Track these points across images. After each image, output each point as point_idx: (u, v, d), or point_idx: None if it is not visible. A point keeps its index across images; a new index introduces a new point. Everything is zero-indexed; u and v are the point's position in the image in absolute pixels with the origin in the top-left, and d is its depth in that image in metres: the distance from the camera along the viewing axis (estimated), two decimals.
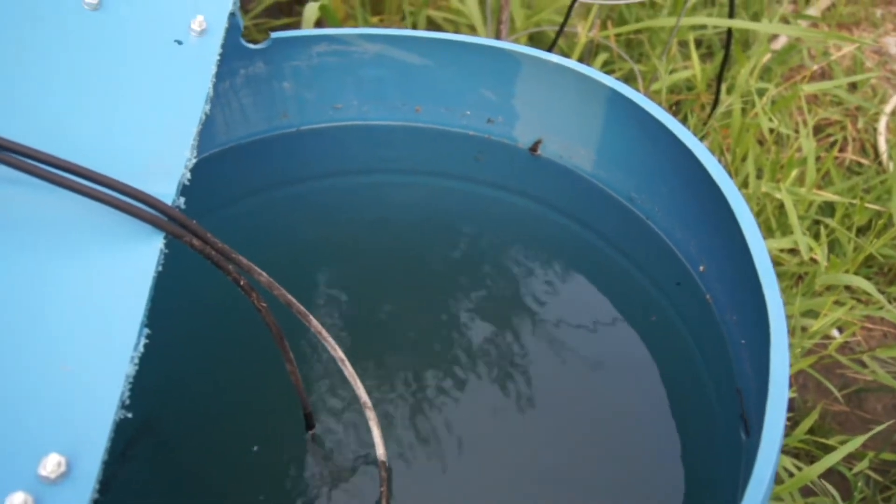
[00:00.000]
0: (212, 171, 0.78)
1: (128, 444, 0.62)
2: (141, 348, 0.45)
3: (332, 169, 0.81)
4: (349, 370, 0.57)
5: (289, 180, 0.81)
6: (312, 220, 0.80)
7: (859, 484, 0.95)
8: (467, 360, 0.68)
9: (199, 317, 0.70)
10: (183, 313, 0.69)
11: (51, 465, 0.40)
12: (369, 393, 0.59)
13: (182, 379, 0.66)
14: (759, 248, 0.55)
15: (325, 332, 0.56)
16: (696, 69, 1.20)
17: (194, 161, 0.52)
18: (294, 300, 0.54)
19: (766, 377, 0.51)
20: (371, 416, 0.59)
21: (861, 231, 1.14)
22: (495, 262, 0.75)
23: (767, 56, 1.28)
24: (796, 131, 1.22)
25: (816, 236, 1.11)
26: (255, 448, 0.62)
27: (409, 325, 0.71)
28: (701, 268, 0.67)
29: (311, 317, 0.55)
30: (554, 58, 0.69)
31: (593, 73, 0.68)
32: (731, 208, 0.57)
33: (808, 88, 1.12)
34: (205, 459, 0.63)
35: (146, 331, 0.45)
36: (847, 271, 1.02)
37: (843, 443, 0.94)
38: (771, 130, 1.17)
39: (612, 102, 0.68)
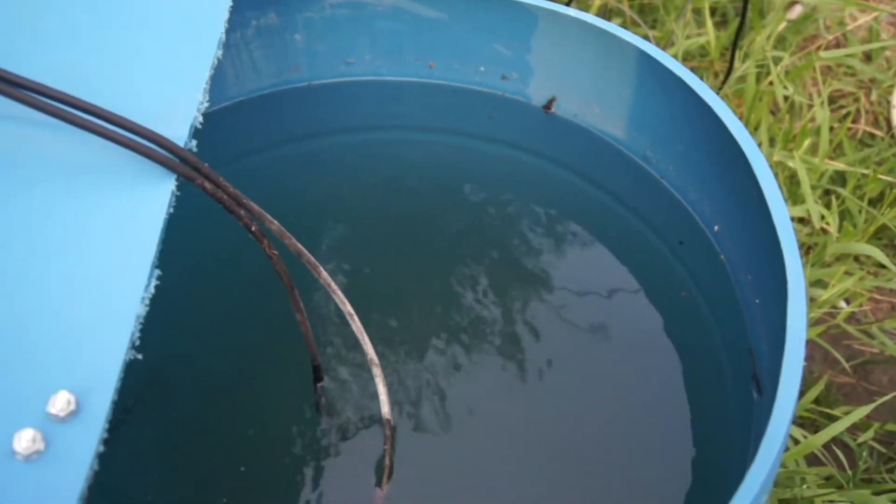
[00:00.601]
0: (220, 126, 0.77)
1: (135, 399, 0.62)
2: (152, 290, 0.44)
3: (343, 125, 0.80)
4: (357, 325, 0.57)
5: (298, 136, 0.80)
6: (321, 178, 0.79)
7: (864, 454, 0.95)
8: (476, 320, 0.67)
9: (207, 269, 0.69)
10: (190, 266, 0.68)
11: (60, 402, 0.40)
12: (376, 350, 0.59)
13: (189, 332, 0.66)
14: (778, 206, 0.54)
15: (334, 285, 0.55)
16: (710, 36, 1.18)
17: (206, 105, 0.51)
18: (304, 250, 0.53)
19: (781, 335, 0.51)
20: (377, 372, 0.58)
21: (872, 203, 1.13)
22: (506, 221, 0.74)
23: (783, 25, 1.26)
24: (810, 101, 1.20)
25: (828, 206, 1.10)
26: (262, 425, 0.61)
27: (417, 284, 0.71)
28: (715, 228, 0.66)
29: (320, 268, 0.54)
30: (573, 12, 0.68)
31: (614, 28, 0.67)
32: (751, 166, 0.56)
33: (826, 55, 1.10)
34: (211, 413, 0.63)
35: (157, 272, 0.44)
36: (858, 241, 1.01)
37: (848, 413, 0.94)
38: (785, 98, 1.16)
39: (632, 59, 0.67)
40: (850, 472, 0.89)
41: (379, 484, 0.58)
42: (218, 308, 0.67)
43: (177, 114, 0.50)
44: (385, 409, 0.58)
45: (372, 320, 0.64)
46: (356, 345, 0.58)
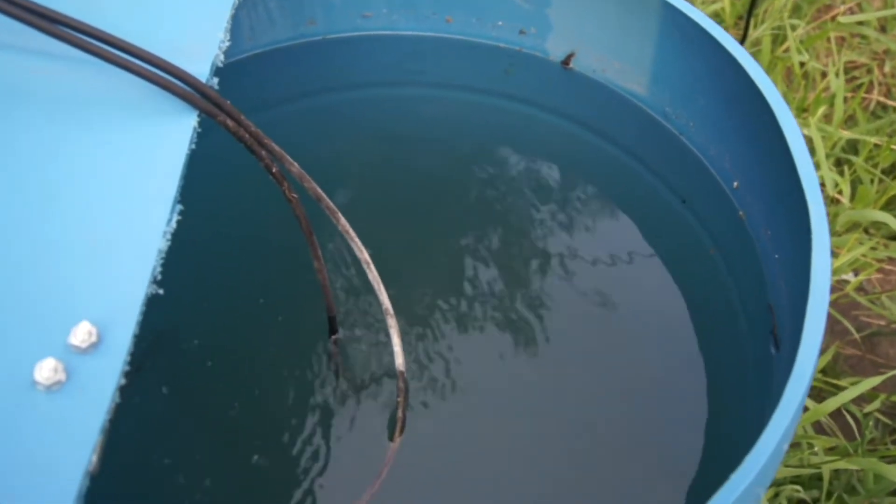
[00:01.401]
0: (234, 79, 0.76)
1: (147, 346, 0.61)
2: (174, 224, 0.43)
3: (358, 80, 0.79)
4: (373, 274, 0.56)
5: (312, 91, 0.79)
6: (334, 133, 0.78)
7: (870, 424, 0.95)
8: (489, 279, 0.67)
9: (221, 217, 0.69)
10: (204, 213, 0.67)
11: (82, 333, 0.39)
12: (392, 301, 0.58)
13: (202, 279, 0.65)
14: (804, 158, 0.54)
15: (352, 232, 0.54)
16: (725, 2, 1.17)
17: (228, 44, 0.50)
18: (324, 194, 0.53)
19: (802, 289, 0.50)
20: (392, 323, 0.58)
21: (885, 173, 1.12)
22: (520, 178, 0.74)
23: None
24: (825, 69, 1.19)
25: (841, 175, 1.09)
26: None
27: (429, 242, 0.70)
28: (735, 184, 0.66)
29: (339, 214, 0.54)
30: None
31: None
32: (777, 118, 0.55)
33: (844, 20, 1.09)
34: (222, 364, 0.62)
35: (179, 207, 0.44)
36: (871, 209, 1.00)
37: (854, 384, 0.93)
38: (801, 64, 1.15)
39: (654, 11, 0.66)
40: (855, 442, 0.89)
41: (391, 437, 0.57)
42: (231, 257, 0.67)
43: (198, 51, 0.49)
44: (399, 360, 0.57)
45: (384, 277, 0.63)
46: (371, 298, 0.58)
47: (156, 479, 0.57)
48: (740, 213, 0.65)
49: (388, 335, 0.61)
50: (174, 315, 0.63)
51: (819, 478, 0.88)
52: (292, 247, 0.57)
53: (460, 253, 0.68)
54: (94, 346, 0.40)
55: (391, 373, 0.60)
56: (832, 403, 0.85)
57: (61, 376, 0.39)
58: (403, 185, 0.74)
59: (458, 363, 0.62)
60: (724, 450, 0.59)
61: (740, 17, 1.23)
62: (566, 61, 0.76)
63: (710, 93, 0.65)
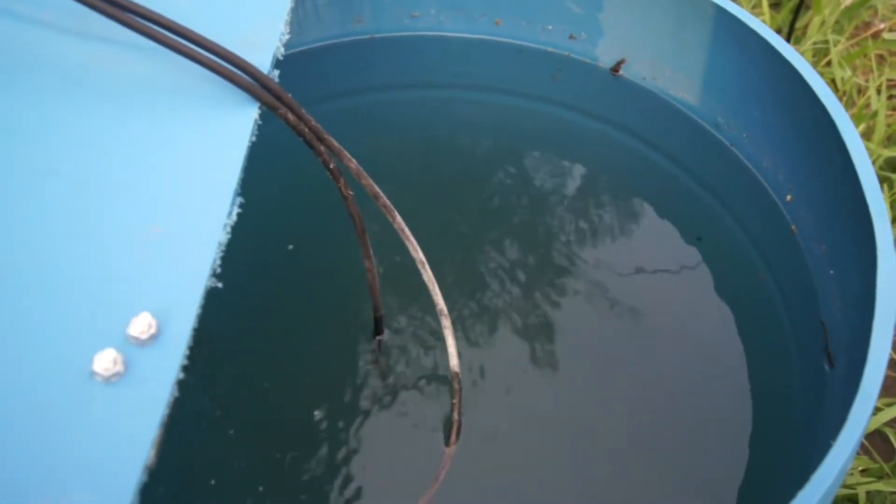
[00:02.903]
0: (278, 76, 0.75)
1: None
2: (234, 217, 0.43)
3: (403, 81, 0.79)
4: (428, 274, 0.55)
5: (357, 90, 0.78)
6: (377, 133, 0.77)
7: None
8: (530, 286, 0.66)
9: (267, 210, 0.68)
10: (251, 207, 0.67)
11: (141, 324, 0.39)
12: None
13: (245, 276, 0.64)
14: (867, 171, 0.53)
15: (407, 231, 0.54)
16: (766, 16, 1.16)
17: (288, 36, 0.50)
18: (381, 192, 0.52)
19: (862, 306, 0.49)
20: (446, 324, 0.57)
21: None
22: (564, 186, 0.73)
23: (840, 7, 1.24)
24: (865, 85, 1.18)
25: None
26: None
27: (470, 246, 0.69)
28: (788, 197, 0.65)
29: (395, 212, 0.53)
30: None
31: None
32: (838, 129, 0.54)
33: (889, 36, 1.08)
34: (266, 363, 0.62)
35: (239, 199, 0.43)
36: None
37: (890, 405, 0.92)
38: (842, 81, 1.13)
39: (709, 18, 0.65)
40: (892, 463, 0.87)
41: (447, 442, 0.56)
42: (279, 254, 0.66)
43: (259, 42, 0.48)
44: (454, 362, 0.56)
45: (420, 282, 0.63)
46: (418, 299, 0.57)
47: (200, 480, 0.56)
48: (793, 227, 0.64)
49: (434, 337, 0.60)
50: (217, 313, 0.62)
51: (850, 499, 0.86)
52: (338, 245, 0.56)
53: (501, 259, 0.67)
54: (153, 338, 0.39)
55: (438, 375, 0.59)
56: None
57: (120, 368, 0.38)
58: (445, 188, 0.73)
59: (502, 368, 0.61)
60: (768, 465, 0.58)
61: (779, 29, 1.22)
62: (616, 68, 0.75)
63: (767, 103, 0.64)
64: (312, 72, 0.77)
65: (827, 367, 0.58)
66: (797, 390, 0.61)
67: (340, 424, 0.57)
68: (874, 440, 0.93)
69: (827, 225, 0.60)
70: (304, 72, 0.77)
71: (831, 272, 0.59)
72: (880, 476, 0.87)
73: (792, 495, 0.43)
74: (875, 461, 0.88)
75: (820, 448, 0.54)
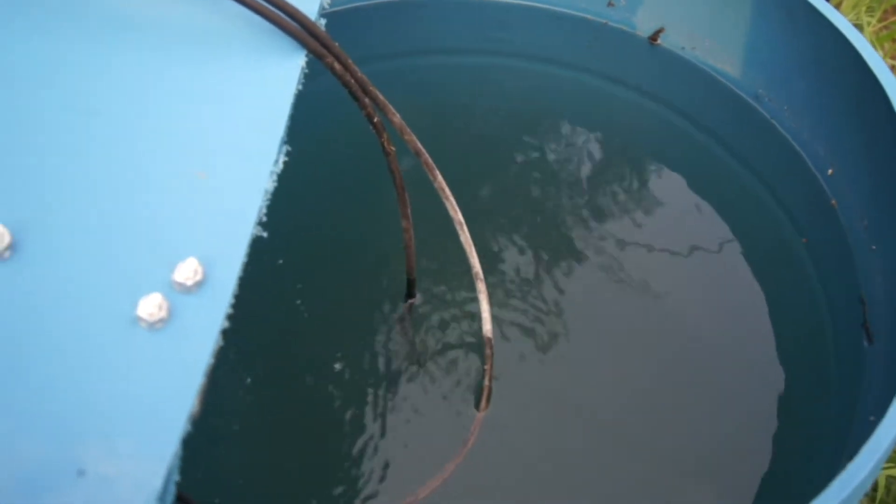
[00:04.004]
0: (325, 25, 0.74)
1: None
2: (281, 165, 0.42)
3: (436, 46, 0.77)
4: (466, 236, 0.54)
5: (387, 54, 0.77)
6: (412, 97, 0.76)
7: None
8: (566, 259, 0.65)
9: (310, 167, 0.67)
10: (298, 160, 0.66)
11: (187, 270, 0.38)
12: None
13: (289, 225, 0.63)
14: None
15: (447, 191, 0.53)
16: None
17: None
18: (423, 150, 0.51)
19: None
20: (481, 288, 0.56)
21: None
22: (599, 157, 0.71)
23: None
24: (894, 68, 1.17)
25: None
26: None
27: (501, 215, 0.68)
28: (829, 171, 0.63)
29: (437, 171, 0.52)
30: None
31: None
32: (891, 102, 0.53)
33: None
34: (297, 319, 0.61)
35: (286, 147, 0.42)
36: None
37: None
38: None
39: None
40: None
41: (477, 407, 0.56)
42: (315, 211, 0.65)
43: None
44: (487, 327, 0.55)
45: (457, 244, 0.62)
46: (453, 263, 0.56)
47: (223, 444, 0.55)
48: (832, 201, 0.63)
49: (466, 302, 0.59)
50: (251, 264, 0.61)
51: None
52: (376, 206, 0.55)
53: (534, 228, 0.66)
54: (198, 285, 0.38)
55: (468, 342, 0.59)
56: None
57: (164, 314, 0.37)
58: (476, 156, 0.72)
59: (534, 337, 0.61)
60: (804, 439, 0.58)
61: None
62: (654, 37, 0.74)
63: (811, 74, 0.63)
64: (342, 35, 0.74)
65: (865, 343, 0.57)
66: (832, 366, 0.60)
67: (370, 386, 0.57)
68: None
69: (870, 200, 0.59)
70: (339, 33, 0.75)
71: (873, 247, 0.58)
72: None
73: (827, 470, 0.42)
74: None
75: (857, 423, 0.53)
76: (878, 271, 0.57)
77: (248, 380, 0.57)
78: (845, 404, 0.57)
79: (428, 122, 0.73)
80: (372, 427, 0.55)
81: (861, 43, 0.56)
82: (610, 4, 0.74)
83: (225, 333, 0.36)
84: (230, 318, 0.38)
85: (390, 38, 0.77)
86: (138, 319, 0.36)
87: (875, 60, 0.55)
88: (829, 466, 0.51)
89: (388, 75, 0.76)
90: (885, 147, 0.54)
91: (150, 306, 0.37)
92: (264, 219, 0.41)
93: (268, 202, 0.41)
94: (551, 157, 0.71)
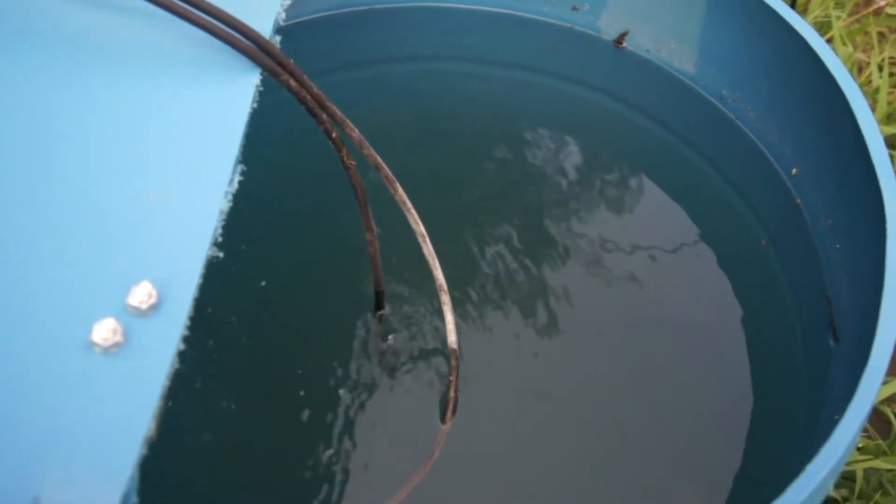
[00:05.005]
0: (280, 42, 0.74)
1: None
2: (235, 184, 0.42)
3: (402, 53, 0.77)
4: (429, 248, 0.54)
5: (355, 62, 0.77)
6: (376, 106, 0.76)
7: None
8: (526, 262, 0.65)
9: (265, 182, 0.67)
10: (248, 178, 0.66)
11: (141, 294, 0.38)
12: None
13: (243, 247, 0.63)
14: (878, 145, 0.52)
15: (409, 203, 0.53)
16: None
17: (289, 1, 0.49)
18: (383, 163, 0.51)
19: (869, 280, 0.49)
20: (445, 300, 0.56)
21: None
22: (566, 160, 0.72)
23: None
24: (866, 63, 1.17)
25: None
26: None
27: (468, 221, 0.68)
28: (793, 171, 0.64)
29: (397, 184, 0.52)
30: None
31: None
32: (849, 102, 0.53)
33: (891, 11, 1.07)
34: (263, 337, 0.61)
35: (240, 167, 0.42)
36: None
37: (887, 384, 0.92)
38: (844, 57, 1.13)
39: None
40: (888, 440, 0.87)
41: (443, 419, 0.56)
42: (275, 226, 0.65)
43: (260, 7, 0.47)
44: (452, 338, 0.55)
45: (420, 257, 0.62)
46: (421, 274, 0.56)
47: (192, 456, 0.55)
48: (797, 200, 0.63)
49: (434, 313, 0.59)
50: (214, 284, 0.61)
51: (848, 476, 0.86)
52: (339, 218, 0.55)
53: (501, 234, 0.66)
54: (153, 308, 0.38)
55: (437, 352, 0.59)
56: None
57: (119, 338, 0.37)
58: (444, 161, 0.72)
59: (501, 346, 0.61)
60: (772, 439, 0.58)
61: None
62: (619, 40, 0.74)
63: (774, 75, 0.63)
64: (310, 44, 0.75)
65: (832, 342, 0.57)
66: (801, 365, 0.60)
67: (337, 399, 0.57)
68: (871, 417, 0.93)
69: (834, 199, 0.59)
70: (302, 44, 0.74)
71: (837, 246, 0.59)
72: (877, 454, 0.87)
73: (795, 469, 0.42)
74: (872, 439, 0.88)
75: (824, 422, 0.54)
76: (843, 270, 0.58)
77: (214, 394, 0.57)
78: (814, 403, 0.57)
79: (393, 129, 0.73)
80: (337, 439, 0.55)
81: (818, 43, 0.57)
82: (574, 9, 0.74)
83: (183, 355, 0.37)
84: (186, 340, 0.38)
85: (356, 46, 0.77)
86: (93, 345, 0.36)
87: (832, 61, 0.55)
88: (799, 465, 0.52)
89: (353, 83, 0.76)
90: (845, 148, 0.55)
91: (105, 331, 0.37)
92: (220, 239, 0.41)
93: (223, 222, 0.41)
94: (518, 161, 0.71)
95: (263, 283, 0.62)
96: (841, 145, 0.56)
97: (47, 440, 0.33)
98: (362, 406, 0.57)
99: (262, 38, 0.44)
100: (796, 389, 0.59)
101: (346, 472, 0.54)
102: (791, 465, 0.55)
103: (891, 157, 1.07)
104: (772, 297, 0.64)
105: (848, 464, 0.84)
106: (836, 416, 0.45)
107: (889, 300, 0.46)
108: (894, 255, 0.48)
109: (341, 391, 0.57)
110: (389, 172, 0.51)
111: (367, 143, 0.50)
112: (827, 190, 0.60)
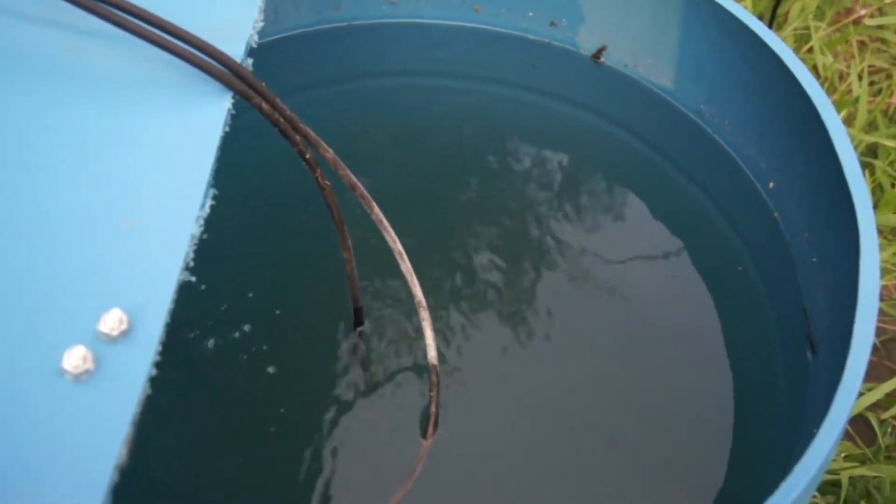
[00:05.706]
0: (254, 64, 0.74)
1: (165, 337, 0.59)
2: (207, 209, 0.42)
3: (381, 69, 0.78)
4: (406, 265, 0.54)
5: (334, 78, 0.77)
6: (355, 122, 0.76)
7: (887, 431, 0.93)
8: (508, 276, 0.65)
9: (242, 202, 0.67)
10: (225, 199, 0.66)
11: (112, 321, 0.38)
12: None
13: (222, 267, 0.63)
14: (850, 157, 0.52)
15: (385, 222, 0.53)
16: (747, 1, 1.16)
17: (262, 24, 0.49)
18: (358, 182, 0.51)
19: (844, 293, 0.49)
20: (424, 316, 0.56)
21: None
22: (545, 175, 0.72)
23: None
24: (847, 70, 1.18)
25: None
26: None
27: (449, 236, 0.68)
28: (770, 185, 0.64)
29: (373, 203, 0.52)
30: None
31: None
32: (821, 117, 0.54)
33: (871, 22, 1.08)
34: (243, 356, 0.61)
35: (212, 191, 0.42)
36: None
37: (871, 390, 0.92)
38: (824, 67, 1.13)
39: (692, 6, 0.65)
40: (873, 448, 0.88)
41: (424, 435, 0.56)
42: (252, 245, 0.65)
43: (232, 31, 0.47)
44: (431, 353, 0.55)
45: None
46: (401, 290, 0.56)
47: (173, 473, 0.55)
48: (775, 214, 0.64)
49: (414, 328, 0.59)
50: (190, 306, 0.61)
51: (834, 483, 0.86)
52: (317, 236, 0.55)
53: (482, 249, 0.67)
54: (124, 335, 0.38)
55: (418, 367, 0.59)
56: None
57: (90, 365, 0.37)
58: (424, 177, 0.72)
59: (482, 360, 0.61)
60: (752, 452, 0.58)
61: (762, 15, 1.22)
62: (597, 55, 0.74)
63: (749, 90, 0.64)
64: (289, 60, 0.76)
65: (809, 355, 0.58)
66: (780, 378, 0.60)
67: (318, 416, 0.57)
68: (857, 425, 0.93)
69: (810, 212, 0.60)
70: (281, 60, 0.75)
71: (814, 259, 0.59)
72: (863, 461, 0.87)
73: (776, 483, 0.43)
74: (858, 447, 0.88)
75: (804, 435, 0.54)
76: (820, 284, 0.58)
77: (191, 412, 0.57)
78: (793, 416, 0.57)
79: (372, 144, 0.74)
80: (318, 456, 0.55)
81: (791, 59, 0.57)
82: (552, 24, 0.75)
83: (155, 381, 0.37)
84: (159, 364, 0.38)
85: (336, 62, 0.77)
86: (63, 372, 0.36)
87: (805, 77, 0.56)
88: (780, 478, 0.52)
89: (333, 99, 0.76)
90: (819, 161, 0.55)
91: (75, 359, 0.37)
92: (192, 263, 0.41)
93: (195, 246, 0.41)
94: (497, 175, 0.71)
95: (240, 302, 0.62)
96: (815, 159, 0.56)
97: (17, 469, 0.33)
98: (342, 423, 0.57)
99: (234, 63, 0.44)
100: (777, 402, 0.60)
101: (326, 491, 0.54)
102: (772, 477, 0.55)
103: (872, 165, 1.08)
104: (751, 310, 0.64)
105: (834, 471, 0.85)
106: (815, 430, 0.46)
107: (863, 315, 0.46)
108: (867, 269, 0.48)
109: (321, 409, 0.57)
110: (364, 191, 0.51)
111: (341, 164, 0.50)
112: (803, 203, 0.61)
